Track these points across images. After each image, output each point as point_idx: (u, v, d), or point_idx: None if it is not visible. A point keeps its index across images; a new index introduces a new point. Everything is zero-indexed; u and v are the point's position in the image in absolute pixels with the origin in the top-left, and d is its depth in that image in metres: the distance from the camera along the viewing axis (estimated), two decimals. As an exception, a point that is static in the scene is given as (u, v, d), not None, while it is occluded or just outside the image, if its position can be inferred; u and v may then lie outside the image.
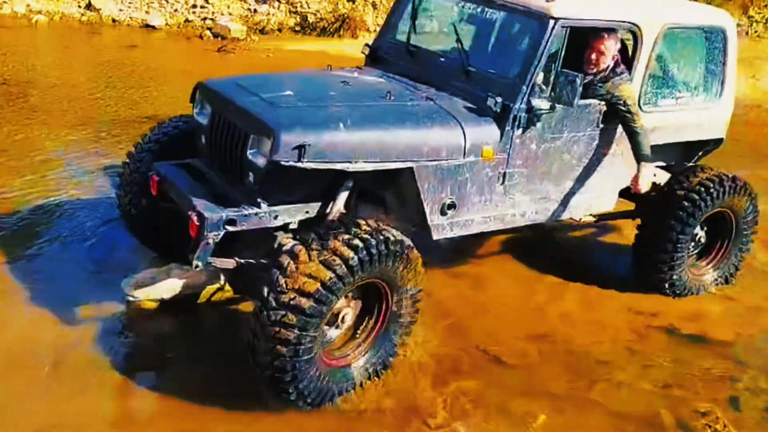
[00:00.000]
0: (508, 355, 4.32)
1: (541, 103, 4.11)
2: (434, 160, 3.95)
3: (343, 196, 3.94)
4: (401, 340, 3.96)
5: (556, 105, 4.12)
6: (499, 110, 4.08)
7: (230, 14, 13.37)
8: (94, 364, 3.91)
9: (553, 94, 4.08)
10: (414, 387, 3.97)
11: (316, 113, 3.79)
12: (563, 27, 4.13)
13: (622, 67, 4.50)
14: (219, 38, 12.46)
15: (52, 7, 13.10)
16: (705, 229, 5.14)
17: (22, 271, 4.68)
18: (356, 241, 3.50)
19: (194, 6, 13.53)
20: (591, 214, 5.00)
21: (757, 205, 5.19)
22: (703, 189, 4.84)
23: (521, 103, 4.10)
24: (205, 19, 13.26)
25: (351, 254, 3.44)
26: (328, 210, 3.89)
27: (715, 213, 5.00)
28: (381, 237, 3.57)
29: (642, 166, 4.54)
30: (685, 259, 4.96)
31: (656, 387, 4.18)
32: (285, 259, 3.49)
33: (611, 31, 4.42)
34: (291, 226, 3.88)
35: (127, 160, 4.53)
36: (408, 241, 3.71)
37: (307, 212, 3.90)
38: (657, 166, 5.23)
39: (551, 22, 4.09)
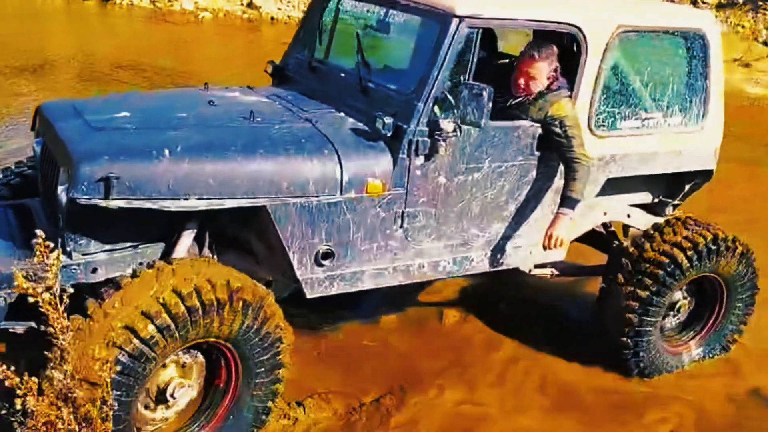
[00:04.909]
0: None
1: (443, 124, 3.23)
2: (298, 197, 3.11)
3: (185, 241, 3.15)
4: (262, 417, 3.14)
5: (463, 126, 3.25)
6: (390, 133, 3.23)
7: (382, 15, 14.29)
8: None
9: (456, 112, 3.21)
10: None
11: (141, 138, 3.01)
12: (471, 27, 3.27)
13: (561, 80, 3.58)
14: (371, 36, 13.13)
15: (217, 5, 14.04)
16: (687, 295, 4.15)
17: None
18: (155, 309, 2.69)
19: (349, 6, 14.45)
20: (541, 266, 3.98)
21: (755, 269, 4.14)
22: (680, 250, 3.84)
23: (418, 125, 3.23)
24: (358, 19, 14.08)
25: (148, 330, 2.68)
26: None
27: (700, 278, 4.01)
28: (197, 294, 2.76)
29: (561, 211, 3.56)
30: (655, 332, 3.94)
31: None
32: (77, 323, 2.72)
33: (542, 50, 3.52)
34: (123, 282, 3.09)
35: None
36: (251, 289, 2.91)
37: (140, 263, 3.11)
38: (632, 205, 4.25)
39: (454, 21, 3.22)
